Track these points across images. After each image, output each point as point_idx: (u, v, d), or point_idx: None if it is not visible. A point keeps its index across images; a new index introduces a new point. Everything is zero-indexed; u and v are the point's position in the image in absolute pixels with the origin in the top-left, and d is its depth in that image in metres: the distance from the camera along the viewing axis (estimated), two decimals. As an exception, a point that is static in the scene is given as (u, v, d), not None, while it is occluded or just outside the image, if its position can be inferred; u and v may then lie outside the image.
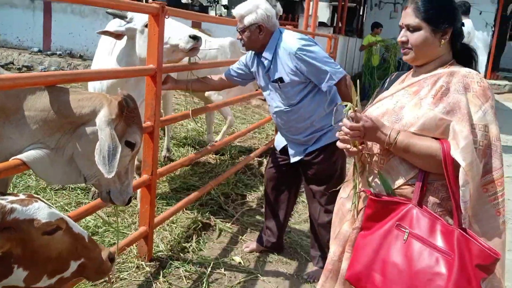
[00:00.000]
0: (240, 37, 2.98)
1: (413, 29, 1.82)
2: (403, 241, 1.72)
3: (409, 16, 1.83)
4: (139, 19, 3.04)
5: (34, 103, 1.96)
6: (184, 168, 4.76)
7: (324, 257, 3.07)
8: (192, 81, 3.20)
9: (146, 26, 2.96)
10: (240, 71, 3.19)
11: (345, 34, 13.02)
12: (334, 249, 1.98)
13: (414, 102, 1.78)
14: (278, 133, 3.25)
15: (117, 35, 3.08)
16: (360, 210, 1.90)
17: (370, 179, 1.89)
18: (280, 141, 3.20)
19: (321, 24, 12.11)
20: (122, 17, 3.08)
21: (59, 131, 1.99)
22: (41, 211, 1.52)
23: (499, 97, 14.82)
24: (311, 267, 3.32)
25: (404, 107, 1.80)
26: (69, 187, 3.91)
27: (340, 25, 13.19)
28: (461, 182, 1.62)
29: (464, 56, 1.87)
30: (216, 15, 20.98)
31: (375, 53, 10.94)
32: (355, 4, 18.12)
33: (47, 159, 1.97)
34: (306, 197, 3.26)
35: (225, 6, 20.79)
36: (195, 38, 2.88)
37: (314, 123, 2.95)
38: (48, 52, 11.51)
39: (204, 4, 17.97)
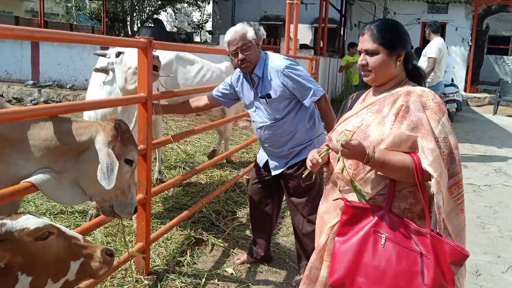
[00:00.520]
0: (242, 57, 3.06)
1: (371, 53, 2.02)
2: (382, 245, 1.88)
3: (366, 42, 2.03)
4: (112, 52, 3.35)
5: (38, 133, 2.16)
6: (176, 189, 5.00)
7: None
8: (179, 105, 3.46)
9: (117, 55, 3.29)
10: (225, 91, 3.40)
11: (327, 55, 13.42)
12: (313, 257, 2.15)
13: (378, 120, 1.97)
14: (261, 149, 3.48)
15: (106, 71, 3.38)
16: (337, 222, 2.04)
17: (344, 189, 2.04)
18: (262, 157, 3.43)
19: (303, 46, 12.48)
20: (104, 55, 3.40)
21: (62, 157, 2.20)
22: (30, 221, 1.67)
23: (479, 109, 15.25)
24: (299, 276, 3.54)
25: (370, 125, 1.98)
26: (67, 210, 4.12)
27: (321, 46, 13.58)
28: (434, 190, 1.82)
29: (415, 75, 2.10)
30: (201, 40, 21.40)
31: (355, 72, 11.21)
32: (335, 25, 18.65)
33: (54, 182, 2.18)
34: (289, 210, 3.45)
35: (209, 32, 21.25)
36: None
37: (296, 137, 3.18)
38: (37, 84, 11.72)
39: (188, 31, 18.36)
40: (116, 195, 2.26)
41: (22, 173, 2.16)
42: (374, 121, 1.98)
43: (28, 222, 1.66)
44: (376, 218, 1.92)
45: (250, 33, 3.07)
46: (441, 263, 1.81)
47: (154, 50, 2.95)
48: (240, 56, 3.07)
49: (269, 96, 3.12)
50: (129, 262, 3.20)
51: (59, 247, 1.70)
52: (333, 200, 2.07)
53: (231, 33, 3.09)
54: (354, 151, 1.84)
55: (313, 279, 2.12)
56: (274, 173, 3.32)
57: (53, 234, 1.69)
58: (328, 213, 2.12)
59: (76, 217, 4.08)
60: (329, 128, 3.01)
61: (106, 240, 3.70)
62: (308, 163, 2.04)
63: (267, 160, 3.37)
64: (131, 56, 3.18)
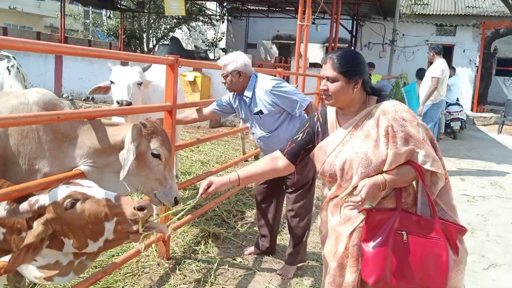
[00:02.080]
0: (224, 81, 3.67)
1: (331, 80, 2.22)
2: (404, 240, 2.15)
3: (328, 70, 2.23)
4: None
5: (86, 133, 2.63)
6: (191, 191, 5.52)
7: (291, 254, 3.86)
8: (188, 117, 3.97)
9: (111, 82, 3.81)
10: (224, 107, 3.91)
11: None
12: (334, 265, 2.29)
13: (372, 145, 2.16)
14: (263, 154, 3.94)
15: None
16: (353, 230, 2.24)
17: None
18: None
19: (313, 64, 13.00)
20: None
21: (103, 153, 2.64)
22: (59, 193, 1.90)
23: (485, 128, 15.55)
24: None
25: (367, 152, 2.16)
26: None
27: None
28: (440, 184, 2.19)
29: (374, 94, 2.32)
30: (214, 57, 22.06)
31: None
32: (346, 45, 19.18)
33: (97, 173, 2.68)
34: (286, 203, 3.95)
35: (223, 50, 21.93)
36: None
37: None
38: (60, 97, 12.37)
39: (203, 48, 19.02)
40: (156, 186, 2.64)
41: (73, 165, 2.63)
42: (368, 147, 2.17)
43: (56, 195, 1.91)
44: (394, 219, 2.18)
45: (232, 66, 3.61)
46: (450, 241, 2.18)
47: (180, 66, 3.48)
48: (222, 79, 3.70)
49: (261, 112, 3.64)
50: (151, 247, 3.71)
51: (88, 212, 1.89)
52: (359, 212, 2.22)
53: (221, 60, 3.71)
54: (372, 192, 2.12)
55: (338, 285, 2.28)
56: None
57: (79, 200, 1.90)
58: (341, 224, 2.28)
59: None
60: None
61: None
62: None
63: None
64: (115, 90, 3.74)
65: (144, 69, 3.92)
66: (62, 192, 1.94)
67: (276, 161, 2.48)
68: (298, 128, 2.51)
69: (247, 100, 3.70)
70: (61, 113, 2.48)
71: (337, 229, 2.30)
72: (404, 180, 2.19)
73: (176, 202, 2.67)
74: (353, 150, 2.20)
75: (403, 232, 2.15)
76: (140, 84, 3.78)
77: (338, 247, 2.27)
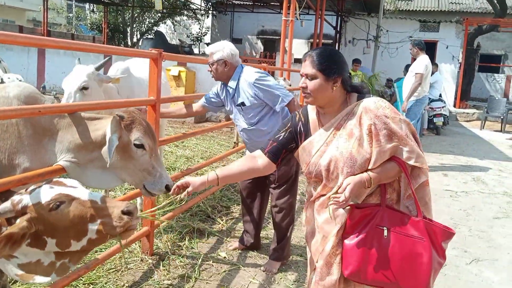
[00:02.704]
0: (210, 69, 3.68)
1: (311, 77, 2.20)
2: (385, 236, 2.14)
3: (307, 67, 2.21)
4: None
5: (67, 128, 2.58)
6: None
7: (276, 249, 3.85)
8: (178, 111, 3.95)
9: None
10: (213, 99, 3.89)
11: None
12: (321, 264, 2.29)
13: (356, 144, 2.15)
14: (247, 151, 3.93)
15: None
16: (339, 229, 2.22)
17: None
18: None
19: (297, 60, 13.02)
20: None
21: (84, 148, 2.61)
22: (43, 194, 1.87)
23: (467, 124, 15.74)
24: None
25: (351, 152, 2.16)
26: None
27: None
28: (423, 178, 2.19)
29: (355, 91, 2.31)
30: (199, 52, 21.96)
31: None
32: (331, 41, 19.25)
33: (78, 168, 2.63)
34: (270, 198, 3.95)
35: (207, 44, 21.82)
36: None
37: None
38: (41, 91, 12.21)
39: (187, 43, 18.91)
40: (145, 176, 2.60)
41: (54, 160, 2.58)
42: (352, 146, 2.16)
43: (41, 195, 1.88)
44: (376, 215, 2.18)
45: (217, 55, 3.61)
46: (435, 243, 2.14)
47: (163, 60, 3.45)
48: (208, 68, 3.71)
49: (243, 104, 3.63)
50: (135, 243, 3.68)
51: (72, 214, 1.87)
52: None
53: (208, 48, 3.71)
54: (357, 190, 2.12)
55: (327, 283, 2.27)
56: None
57: (64, 202, 1.88)
58: (328, 223, 2.27)
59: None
60: None
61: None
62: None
63: None
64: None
65: (98, 68, 3.73)
66: (46, 193, 1.90)
67: (256, 160, 2.44)
68: (280, 127, 2.47)
69: (230, 90, 3.69)
70: (43, 107, 2.44)
71: (325, 227, 2.30)
72: (388, 176, 2.19)
73: (167, 189, 2.61)
74: (337, 149, 2.19)
75: (384, 228, 2.15)
76: (85, 88, 3.59)
77: (325, 246, 2.27)
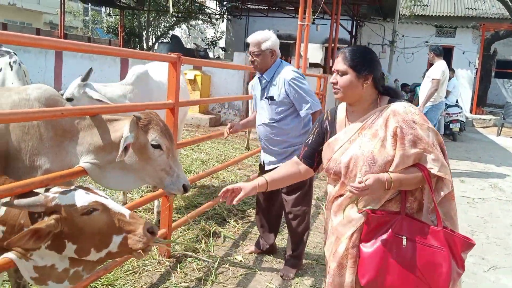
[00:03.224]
0: (253, 59, 3.60)
1: (341, 73, 2.22)
2: (404, 245, 2.11)
3: (339, 63, 2.23)
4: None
5: (86, 131, 2.61)
6: (192, 190, 5.50)
7: (291, 256, 3.82)
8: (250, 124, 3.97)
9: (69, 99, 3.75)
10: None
11: (336, 73, 13.87)
12: (333, 266, 2.28)
13: (379, 144, 2.13)
14: (261, 151, 3.92)
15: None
16: (353, 232, 2.21)
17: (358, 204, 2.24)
18: (261, 157, 3.90)
19: (313, 64, 13.00)
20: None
21: (104, 150, 2.65)
22: (78, 197, 1.89)
23: (484, 130, 15.58)
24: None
25: (372, 151, 2.13)
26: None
27: (331, 65, 14.08)
28: (446, 191, 2.14)
29: (387, 94, 2.30)
30: (214, 56, 22.03)
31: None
32: (346, 46, 19.12)
33: (98, 170, 2.66)
34: (285, 206, 3.88)
35: (222, 48, 21.91)
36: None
37: (289, 139, 3.64)
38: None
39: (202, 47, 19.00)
40: (163, 176, 2.65)
41: (75, 162, 2.62)
42: (375, 146, 2.15)
43: (76, 198, 1.90)
44: (395, 223, 2.15)
45: (266, 44, 3.56)
46: (454, 253, 2.10)
47: (182, 64, 3.47)
48: (250, 58, 3.63)
49: (272, 98, 3.61)
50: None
51: (102, 222, 1.90)
52: (359, 212, 2.23)
53: (252, 37, 3.62)
54: (376, 187, 2.07)
55: (337, 285, 2.28)
56: (267, 168, 3.72)
57: (97, 210, 1.91)
58: (343, 225, 2.26)
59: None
60: None
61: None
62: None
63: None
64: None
65: (84, 79, 3.81)
66: (82, 197, 1.93)
67: (298, 166, 2.49)
68: (311, 129, 2.50)
69: (263, 82, 3.67)
70: (65, 109, 2.47)
71: (339, 229, 2.29)
72: (410, 183, 2.14)
73: (185, 189, 2.67)
74: (359, 148, 2.18)
75: (403, 237, 2.11)
76: (69, 100, 3.66)
77: (338, 248, 2.26)
